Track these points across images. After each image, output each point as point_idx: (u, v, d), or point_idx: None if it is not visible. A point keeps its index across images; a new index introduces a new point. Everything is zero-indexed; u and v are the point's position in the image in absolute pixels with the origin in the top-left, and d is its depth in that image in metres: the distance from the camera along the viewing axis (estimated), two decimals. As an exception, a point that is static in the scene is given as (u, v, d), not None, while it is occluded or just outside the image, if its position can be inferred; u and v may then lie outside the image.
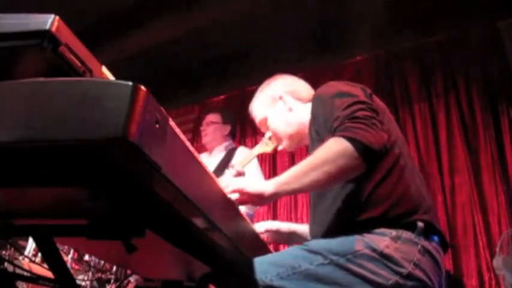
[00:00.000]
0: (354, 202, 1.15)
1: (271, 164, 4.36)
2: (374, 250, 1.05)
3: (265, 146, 1.83)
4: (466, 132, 3.57)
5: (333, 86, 1.30)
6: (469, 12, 3.59)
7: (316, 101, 1.32)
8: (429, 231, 1.10)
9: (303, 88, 1.58)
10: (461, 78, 3.72)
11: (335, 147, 1.07)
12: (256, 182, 1.17)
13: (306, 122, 1.43)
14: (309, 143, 1.43)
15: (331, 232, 1.17)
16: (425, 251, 1.07)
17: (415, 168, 1.28)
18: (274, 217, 4.04)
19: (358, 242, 1.07)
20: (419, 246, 1.07)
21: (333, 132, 1.13)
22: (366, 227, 1.10)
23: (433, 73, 3.75)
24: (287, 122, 1.51)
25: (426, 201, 1.16)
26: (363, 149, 1.05)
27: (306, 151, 1.45)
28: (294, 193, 1.27)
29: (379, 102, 1.30)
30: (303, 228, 1.61)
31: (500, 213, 3.23)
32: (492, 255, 3.09)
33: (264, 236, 1.57)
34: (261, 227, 1.57)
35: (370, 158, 1.07)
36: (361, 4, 3.28)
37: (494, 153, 3.40)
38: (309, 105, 1.39)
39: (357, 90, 1.25)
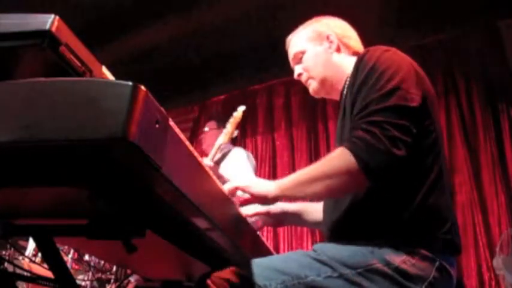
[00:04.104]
0: (374, 209, 1.07)
1: (271, 164, 4.36)
2: (389, 264, 0.98)
3: (223, 136, 1.99)
4: (466, 132, 3.57)
5: (382, 57, 1.12)
6: (469, 12, 3.59)
7: (359, 65, 1.15)
8: (448, 249, 1.04)
9: (354, 38, 1.42)
10: (461, 78, 3.72)
11: (339, 163, 1.01)
12: (261, 182, 1.15)
13: (345, 72, 1.31)
14: (338, 99, 1.31)
15: (344, 238, 1.09)
16: (443, 268, 1.02)
17: (448, 173, 1.15)
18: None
19: (372, 255, 1.00)
20: (437, 263, 1.01)
21: (350, 131, 1.05)
22: (383, 238, 1.02)
23: (433, 73, 3.75)
24: (327, 63, 1.36)
25: (451, 214, 1.07)
26: (367, 170, 0.97)
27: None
28: (295, 199, 1.23)
29: (428, 87, 1.14)
30: (296, 207, 1.52)
31: (500, 213, 3.23)
32: (492, 255, 3.09)
33: (253, 220, 1.46)
34: (250, 209, 1.44)
35: (375, 178, 0.99)
36: (360, 3, 3.28)
37: (494, 153, 3.40)
38: (353, 60, 1.25)
39: (407, 72, 1.09)
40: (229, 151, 2.86)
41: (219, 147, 2.06)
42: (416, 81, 1.08)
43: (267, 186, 1.12)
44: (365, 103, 1.05)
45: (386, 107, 1.01)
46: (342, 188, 1.04)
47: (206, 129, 3.11)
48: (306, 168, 1.09)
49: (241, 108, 1.94)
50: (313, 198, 1.07)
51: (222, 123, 3.17)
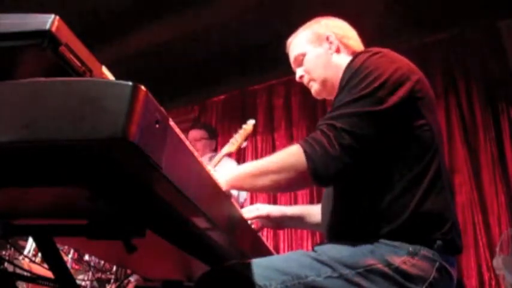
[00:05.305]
0: (374, 209, 1.06)
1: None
2: (389, 265, 0.98)
3: (231, 146, 1.97)
4: (466, 132, 3.57)
5: (368, 61, 1.11)
6: (469, 12, 3.59)
7: (347, 69, 1.14)
8: (448, 249, 1.04)
9: (354, 37, 1.41)
10: (461, 78, 3.72)
11: (291, 159, 1.05)
12: (221, 174, 1.14)
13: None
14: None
15: (344, 238, 1.09)
16: (443, 268, 1.02)
17: (447, 173, 1.14)
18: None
19: (372, 255, 0.99)
20: (437, 263, 1.01)
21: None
22: (383, 238, 1.02)
23: (433, 73, 3.75)
24: (327, 64, 1.36)
25: (452, 214, 1.07)
26: (314, 173, 1.01)
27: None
28: (244, 190, 1.24)
29: (424, 87, 1.12)
30: (297, 210, 1.53)
31: (500, 213, 3.23)
32: (492, 255, 3.09)
33: (254, 223, 1.48)
34: (250, 211, 1.44)
35: (321, 182, 1.05)
36: (360, 3, 3.28)
37: (494, 153, 3.40)
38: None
39: (390, 77, 1.06)
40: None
41: (223, 156, 2.07)
42: (400, 85, 1.06)
43: (220, 179, 1.11)
44: (337, 105, 1.06)
45: (352, 112, 1.02)
46: (289, 184, 1.07)
47: (197, 137, 3.13)
48: (257, 161, 1.13)
49: (252, 122, 1.96)
50: (263, 191, 1.09)
51: (213, 135, 3.25)
